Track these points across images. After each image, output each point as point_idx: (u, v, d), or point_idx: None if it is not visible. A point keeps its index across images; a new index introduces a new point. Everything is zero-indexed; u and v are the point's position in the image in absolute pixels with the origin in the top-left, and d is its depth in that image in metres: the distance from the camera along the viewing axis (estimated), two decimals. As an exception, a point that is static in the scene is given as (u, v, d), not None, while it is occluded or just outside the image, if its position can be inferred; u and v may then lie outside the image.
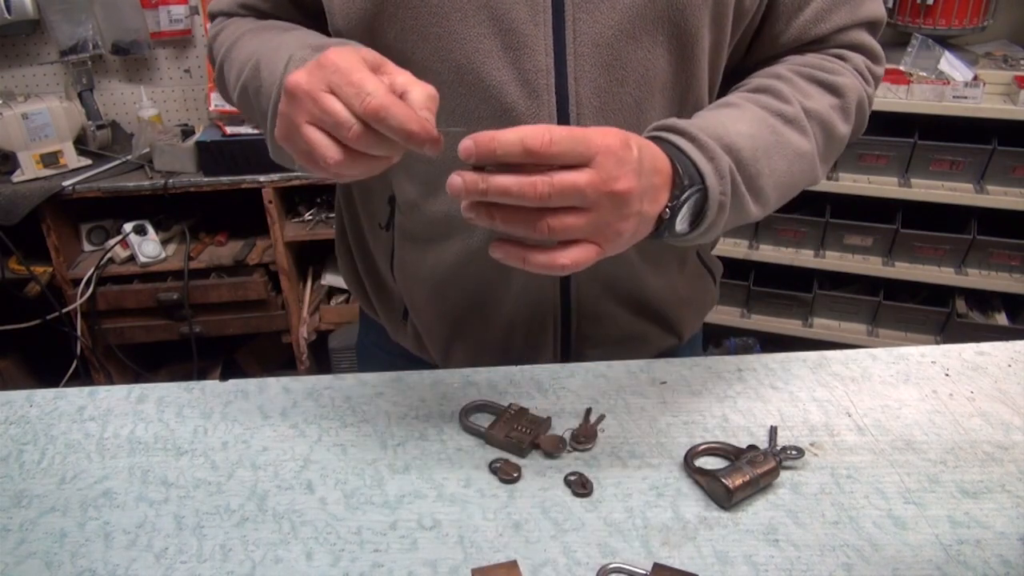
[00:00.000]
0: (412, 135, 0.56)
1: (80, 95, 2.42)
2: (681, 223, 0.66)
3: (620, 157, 0.58)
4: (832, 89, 0.78)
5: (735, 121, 0.70)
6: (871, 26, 0.82)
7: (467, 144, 0.56)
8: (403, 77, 0.60)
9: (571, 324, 0.89)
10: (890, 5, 2.16)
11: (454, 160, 0.78)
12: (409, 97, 0.59)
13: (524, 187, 0.56)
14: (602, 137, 0.57)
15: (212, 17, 0.88)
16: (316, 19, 0.80)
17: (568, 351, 0.91)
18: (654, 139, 0.66)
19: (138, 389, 0.85)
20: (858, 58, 0.82)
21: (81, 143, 2.38)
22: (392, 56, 0.63)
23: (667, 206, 0.64)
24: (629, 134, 0.60)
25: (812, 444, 0.75)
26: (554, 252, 0.59)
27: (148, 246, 2.32)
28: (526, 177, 0.56)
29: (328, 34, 0.78)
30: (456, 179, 0.57)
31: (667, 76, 0.75)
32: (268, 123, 0.70)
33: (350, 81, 0.57)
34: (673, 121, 0.68)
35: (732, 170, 0.67)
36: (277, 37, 0.76)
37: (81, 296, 2.29)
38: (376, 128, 0.57)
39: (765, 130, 0.72)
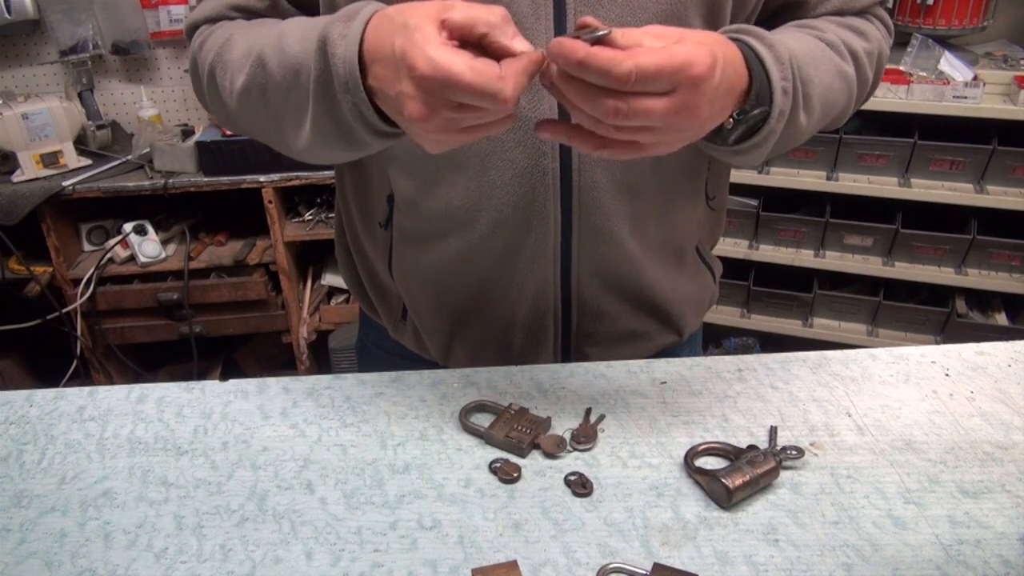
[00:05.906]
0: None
1: (80, 95, 2.42)
2: (734, 135, 0.68)
3: (701, 89, 0.58)
4: (862, 34, 0.83)
5: (784, 36, 0.72)
6: (883, 1, 0.89)
7: (555, 47, 0.56)
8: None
9: (571, 320, 0.89)
10: (890, 5, 2.16)
11: (453, 156, 0.79)
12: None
13: (604, 105, 0.56)
14: (689, 67, 0.57)
15: (192, 29, 0.83)
16: (311, 13, 0.78)
17: (568, 347, 0.91)
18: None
19: (138, 389, 0.85)
20: (878, 21, 0.88)
21: (81, 143, 2.38)
22: None
23: (730, 116, 0.65)
24: (717, 57, 0.59)
25: (812, 444, 0.75)
26: (603, 143, 0.61)
27: (148, 246, 2.32)
28: (607, 96, 0.56)
29: None
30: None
31: None
32: (310, 114, 0.67)
33: (460, 92, 0.56)
34: (743, 24, 0.71)
35: (791, 61, 0.68)
36: (273, 29, 0.72)
37: (81, 296, 2.29)
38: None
39: (813, 45, 0.75)
